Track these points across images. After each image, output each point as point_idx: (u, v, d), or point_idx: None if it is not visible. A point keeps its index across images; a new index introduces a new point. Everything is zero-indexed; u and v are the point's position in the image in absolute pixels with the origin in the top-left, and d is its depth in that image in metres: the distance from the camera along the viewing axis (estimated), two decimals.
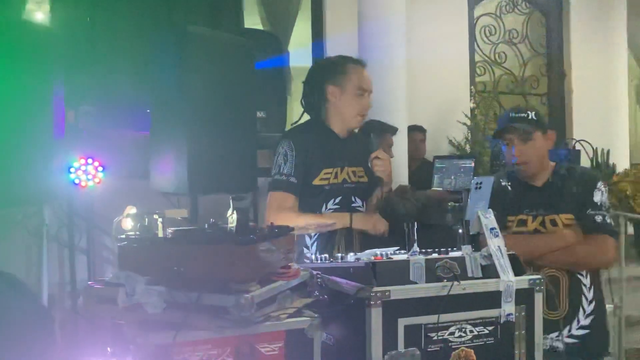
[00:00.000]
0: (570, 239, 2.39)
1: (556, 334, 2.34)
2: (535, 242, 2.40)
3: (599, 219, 2.40)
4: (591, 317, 2.41)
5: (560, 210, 2.43)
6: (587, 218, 2.41)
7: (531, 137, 2.44)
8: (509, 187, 2.51)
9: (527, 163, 2.45)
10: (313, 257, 2.12)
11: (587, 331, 2.40)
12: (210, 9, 4.63)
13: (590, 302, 2.42)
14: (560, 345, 2.34)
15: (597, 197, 2.44)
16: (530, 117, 2.45)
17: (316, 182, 2.56)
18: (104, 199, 3.57)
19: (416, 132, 5.20)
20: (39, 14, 4.72)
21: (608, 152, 5.98)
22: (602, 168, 5.82)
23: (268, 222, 2.45)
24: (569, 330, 2.39)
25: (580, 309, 2.40)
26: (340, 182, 2.60)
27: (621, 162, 6.35)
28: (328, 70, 2.66)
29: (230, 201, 1.76)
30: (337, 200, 2.59)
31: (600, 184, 2.47)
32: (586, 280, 2.42)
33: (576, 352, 2.38)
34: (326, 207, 2.58)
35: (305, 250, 2.56)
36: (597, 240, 2.39)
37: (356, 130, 2.80)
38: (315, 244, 2.56)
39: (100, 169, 3.47)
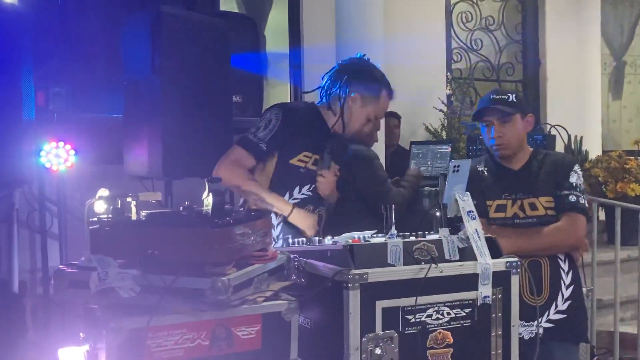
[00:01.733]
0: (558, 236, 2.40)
1: (540, 319, 2.36)
2: (524, 242, 2.38)
3: (572, 198, 2.42)
4: (569, 302, 2.43)
5: (538, 193, 2.44)
6: (561, 198, 2.42)
7: (510, 118, 2.44)
8: (486, 172, 2.52)
9: (506, 144, 2.46)
10: (276, 238, 2.09)
11: (564, 316, 2.42)
12: None
13: (568, 286, 2.44)
14: (540, 330, 2.35)
15: (573, 178, 2.46)
16: (510, 99, 2.46)
17: (293, 161, 2.53)
18: (76, 183, 3.50)
19: (391, 117, 5.19)
20: None
21: (581, 139, 6.05)
22: (576, 154, 5.89)
23: (215, 172, 2.47)
24: (547, 315, 2.41)
25: (559, 294, 2.42)
26: (316, 170, 2.58)
27: (594, 149, 6.44)
28: (365, 80, 2.59)
29: (206, 183, 1.73)
30: (312, 187, 2.56)
31: (577, 167, 2.50)
32: (564, 265, 2.45)
33: (555, 337, 2.39)
34: (299, 191, 2.55)
35: None
36: (569, 219, 2.40)
37: None
38: (280, 225, 2.54)
39: (72, 152, 3.39)
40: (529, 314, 2.27)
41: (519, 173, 2.49)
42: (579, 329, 2.48)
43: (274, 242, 2.50)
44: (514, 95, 2.49)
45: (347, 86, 2.57)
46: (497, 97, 2.47)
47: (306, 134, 2.55)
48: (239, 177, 2.44)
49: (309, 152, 2.55)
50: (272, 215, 2.49)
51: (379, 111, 2.63)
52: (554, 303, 2.41)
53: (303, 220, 2.51)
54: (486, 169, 2.53)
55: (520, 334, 2.29)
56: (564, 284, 2.43)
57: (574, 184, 2.45)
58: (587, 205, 2.48)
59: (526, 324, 2.33)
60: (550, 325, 2.41)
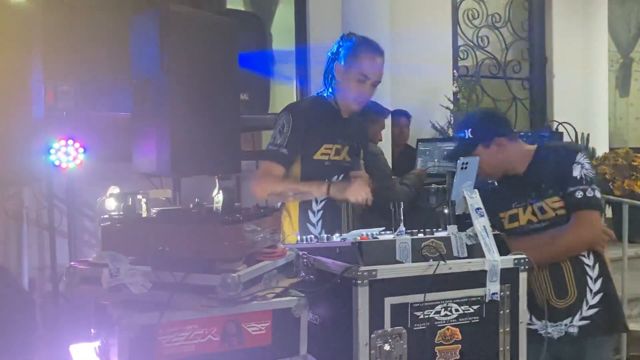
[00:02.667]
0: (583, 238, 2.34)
1: (569, 319, 2.33)
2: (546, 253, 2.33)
3: (579, 194, 2.30)
4: (600, 295, 2.35)
5: (544, 195, 2.36)
6: (568, 196, 2.32)
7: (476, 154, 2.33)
8: (495, 182, 2.48)
9: (488, 175, 2.44)
10: (317, 232, 2.11)
11: (597, 309, 2.34)
12: None
13: (596, 279, 2.36)
14: (574, 330, 2.33)
15: (577, 171, 2.32)
16: (467, 136, 2.43)
17: (317, 156, 2.57)
18: (85, 181, 3.52)
19: (402, 117, 5.19)
20: None
21: (588, 136, 6.04)
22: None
23: (252, 191, 2.54)
24: (580, 314, 2.34)
25: (587, 290, 2.35)
26: (342, 160, 2.61)
27: (600, 146, 6.43)
28: (343, 47, 2.62)
29: (216, 181, 1.74)
30: (341, 177, 2.59)
31: (579, 157, 2.35)
32: (589, 260, 2.37)
33: (591, 332, 2.34)
34: None
35: (309, 226, 2.57)
36: (579, 218, 2.31)
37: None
38: (320, 221, 2.57)
39: (81, 150, 3.41)
40: (556, 315, 2.29)
41: (524, 177, 2.43)
42: (613, 319, 2.39)
43: (314, 228, 2.53)
44: (469, 130, 2.43)
45: (332, 61, 2.63)
46: (457, 136, 2.46)
47: (321, 127, 2.58)
48: (271, 183, 2.47)
49: (328, 144, 2.58)
50: (312, 201, 2.55)
51: (365, 69, 2.57)
52: (584, 300, 2.35)
53: (343, 191, 2.47)
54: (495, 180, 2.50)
55: (549, 333, 2.30)
56: (591, 278, 2.36)
57: (578, 177, 2.32)
58: (598, 195, 2.33)
59: (554, 324, 2.32)
60: (585, 322, 2.34)
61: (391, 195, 3.00)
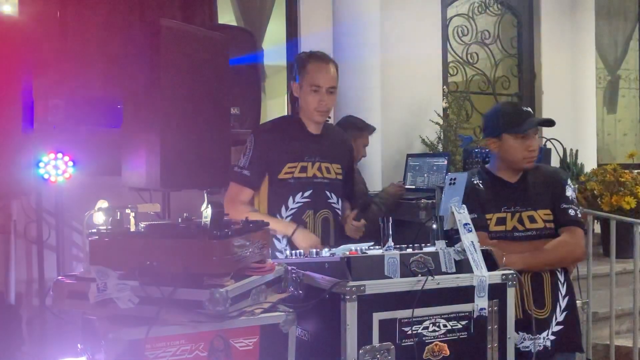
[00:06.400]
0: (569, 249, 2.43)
1: (546, 332, 2.37)
2: (539, 259, 2.39)
3: (572, 212, 2.46)
4: (565, 312, 2.44)
5: (537, 206, 2.46)
6: (562, 212, 2.45)
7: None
8: (481, 186, 2.52)
9: (535, 157, 2.52)
10: (283, 248, 2.11)
11: (562, 327, 2.42)
12: (182, 3, 4.58)
13: (564, 297, 2.45)
14: (548, 343, 2.37)
15: (569, 192, 2.49)
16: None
17: (281, 176, 2.59)
18: (74, 194, 3.50)
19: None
20: (7, 6, 4.61)
21: (577, 152, 6.09)
22: (571, 167, 5.92)
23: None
24: (550, 328, 2.40)
25: (558, 305, 2.43)
26: (310, 177, 2.61)
27: (589, 162, 6.47)
28: (295, 65, 2.68)
29: (205, 195, 1.75)
30: (307, 194, 2.59)
31: (569, 180, 2.54)
32: (561, 277, 2.46)
33: (558, 348, 2.39)
34: (293, 201, 2.59)
35: (275, 241, 2.57)
36: (571, 233, 2.43)
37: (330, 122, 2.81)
38: (287, 243, 2.56)
39: (70, 164, 3.40)
40: (535, 327, 2.29)
41: (516, 186, 2.51)
42: (576, 338, 2.48)
43: (281, 253, 2.53)
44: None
45: (291, 80, 2.69)
46: (527, 110, 2.55)
47: (285, 146, 2.61)
48: (240, 213, 2.43)
49: (292, 163, 2.60)
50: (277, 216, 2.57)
51: (315, 79, 2.59)
52: (554, 315, 2.42)
53: (303, 241, 2.51)
54: (481, 182, 2.53)
55: (527, 347, 2.31)
56: (561, 295, 2.45)
57: (570, 198, 2.48)
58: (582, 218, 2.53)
59: (532, 337, 2.34)
60: (553, 337, 2.40)
61: (367, 216, 3.02)
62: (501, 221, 2.44)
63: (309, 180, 2.60)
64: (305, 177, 2.60)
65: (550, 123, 2.59)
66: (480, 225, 2.32)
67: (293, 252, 2.11)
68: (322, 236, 2.58)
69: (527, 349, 2.32)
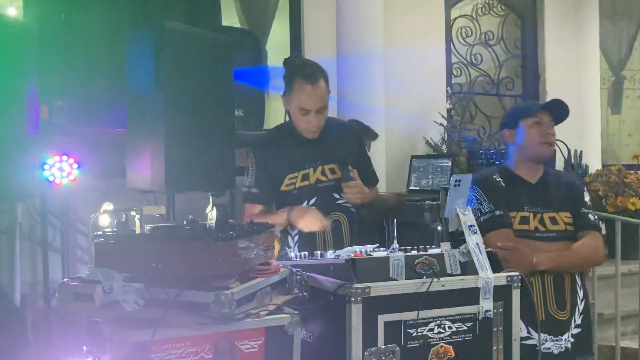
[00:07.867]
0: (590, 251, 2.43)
1: (567, 334, 2.36)
2: (567, 259, 2.39)
3: (591, 217, 2.47)
4: (582, 315, 2.42)
5: (559, 208, 2.46)
6: (582, 216, 2.47)
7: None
8: (502, 183, 2.49)
9: (553, 146, 2.51)
10: (293, 254, 2.12)
11: (580, 330, 2.40)
12: (186, 6, 4.59)
13: (582, 300, 2.43)
14: (569, 345, 2.36)
15: (587, 197, 2.52)
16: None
17: (283, 188, 2.58)
18: (79, 196, 3.51)
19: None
20: (11, 9, 4.62)
21: (581, 153, 6.07)
22: (576, 168, 5.91)
23: None
24: (570, 330, 2.38)
25: (577, 308, 2.41)
26: (314, 183, 2.58)
27: (593, 163, 6.46)
28: (285, 79, 2.58)
29: (210, 197, 1.75)
30: (312, 201, 2.57)
31: (584, 186, 2.57)
32: (579, 280, 2.45)
33: (577, 351, 2.38)
34: None
35: (288, 250, 2.55)
36: (593, 237, 2.44)
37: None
38: (297, 245, 2.56)
39: (75, 166, 3.40)
40: (555, 328, 2.30)
41: (537, 187, 2.50)
42: (590, 341, 2.50)
43: (290, 251, 2.52)
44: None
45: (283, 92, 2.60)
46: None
47: (282, 157, 2.59)
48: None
49: (292, 173, 2.58)
50: (289, 237, 2.58)
51: (302, 103, 2.48)
52: (573, 317, 2.39)
53: (297, 219, 2.48)
54: (502, 179, 2.49)
55: (548, 349, 2.31)
56: (579, 298, 2.43)
57: (589, 203, 2.51)
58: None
59: (554, 338, 2.33)
60: (573, 340, 2.38)
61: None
62: (525, 220, 2.43)
63: (313, 187, 2.58)
64: (308, 185, 2.58)
65: (558, 102, 2.53)
66: (506, 222, 2.34)
67: (298, 254, 2.11)
68: (334, 239, 2.55)
69: (548, 350, 2.31)
